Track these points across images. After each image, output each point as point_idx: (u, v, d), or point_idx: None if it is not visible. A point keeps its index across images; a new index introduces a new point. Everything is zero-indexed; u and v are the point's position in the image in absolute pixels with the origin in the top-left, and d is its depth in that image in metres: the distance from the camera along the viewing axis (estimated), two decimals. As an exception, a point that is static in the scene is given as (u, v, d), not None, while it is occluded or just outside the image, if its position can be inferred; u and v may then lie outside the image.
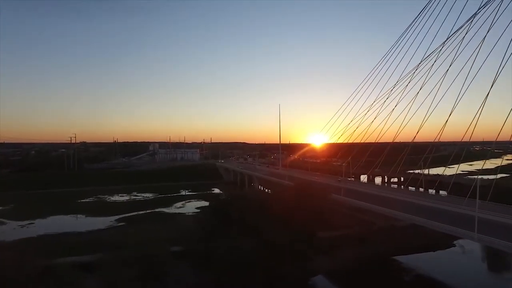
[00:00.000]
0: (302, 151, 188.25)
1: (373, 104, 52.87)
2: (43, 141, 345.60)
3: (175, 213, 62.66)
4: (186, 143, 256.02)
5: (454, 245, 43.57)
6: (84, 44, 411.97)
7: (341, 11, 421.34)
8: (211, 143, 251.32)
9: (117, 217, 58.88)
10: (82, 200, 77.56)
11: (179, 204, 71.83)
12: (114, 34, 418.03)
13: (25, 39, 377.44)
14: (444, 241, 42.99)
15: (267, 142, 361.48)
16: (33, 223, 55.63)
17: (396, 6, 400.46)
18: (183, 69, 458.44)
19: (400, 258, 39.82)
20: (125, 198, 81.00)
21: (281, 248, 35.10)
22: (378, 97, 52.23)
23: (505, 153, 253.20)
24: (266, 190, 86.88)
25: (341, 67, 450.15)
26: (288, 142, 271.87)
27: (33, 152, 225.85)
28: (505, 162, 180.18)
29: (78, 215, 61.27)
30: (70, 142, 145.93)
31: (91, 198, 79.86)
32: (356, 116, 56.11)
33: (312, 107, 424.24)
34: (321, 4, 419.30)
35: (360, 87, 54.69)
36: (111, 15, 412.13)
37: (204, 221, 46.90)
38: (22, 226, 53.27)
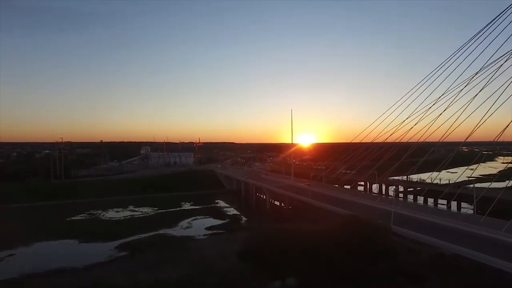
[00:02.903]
0: (290, 151, 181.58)
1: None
2: (24, 141, 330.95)
3: (184, 236, 54.43)
4: (174, 143, 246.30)
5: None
6: (70, 41, 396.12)
7: (340, 13, 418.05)
8: (200, 143, 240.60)
9: (116, 243, 50.36)
10: (73, 218, 68.22)
11: (184, 223, 63.60)
12: (103, 32, 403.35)
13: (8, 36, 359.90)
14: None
15: (256, 142, 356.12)
16: (15, 254, 46.05)
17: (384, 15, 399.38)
18: (169, 69, 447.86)
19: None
20: (121, 214, 72.10)
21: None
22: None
23: (495, 155, 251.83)
24: (280, 204, 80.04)
25: (333, 68, 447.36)
26: (279, 142, 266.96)
27: (14, 154, 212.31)
28: (503, 166, 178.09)
29: (70, 241, 52.19)
30: (55, 142, 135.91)
31: (82, 215, 70.59)
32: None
33: (304, 106, 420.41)
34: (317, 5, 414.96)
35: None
36: (100, 14, 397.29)
37: (228, 254, 39.41)
38: (0, 260, 43.97)
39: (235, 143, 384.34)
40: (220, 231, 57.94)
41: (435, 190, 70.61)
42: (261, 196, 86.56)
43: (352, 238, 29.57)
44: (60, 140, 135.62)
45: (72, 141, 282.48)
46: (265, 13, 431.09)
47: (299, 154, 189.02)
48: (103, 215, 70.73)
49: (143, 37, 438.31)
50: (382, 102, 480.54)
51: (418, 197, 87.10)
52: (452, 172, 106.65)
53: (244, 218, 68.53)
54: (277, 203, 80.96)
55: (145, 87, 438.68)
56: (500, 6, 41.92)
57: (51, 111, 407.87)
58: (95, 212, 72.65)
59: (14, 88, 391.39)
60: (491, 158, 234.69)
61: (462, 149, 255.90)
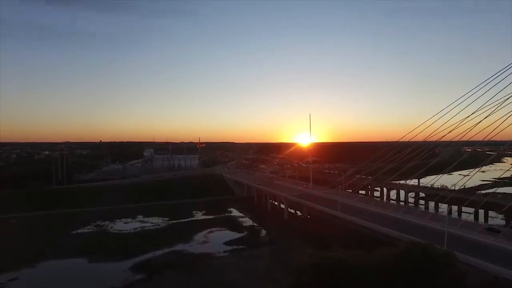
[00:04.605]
0: (294, 151, 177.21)
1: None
2: (23, 141, 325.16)
3: (203, 253, 49.87)
4: (174, 142, 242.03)
5: None
6: (69, 41, 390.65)
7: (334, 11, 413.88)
8: (202, 144, 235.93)
9: (130, 262, 45.85)
10: (79, 231, 63.31)
11: (200, 236, 58.95)
12: (102, 32, 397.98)
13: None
14: None
15: (256, 141, 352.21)
16: (17, 278, 41.26)
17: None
18: (168, 68, 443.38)
19: None
20: (130, 225, 67.18)
21: None
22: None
23: (501, 156, 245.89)
24: (295, 211, 76.11)
25: (334, 68, 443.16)
26: (280, 142, 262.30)
27: (14, 155, 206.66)
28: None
29: (79, 260, 47.52)
30: (54, 142, 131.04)
31: (89, 227, 65.66)
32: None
33: (305, 106, 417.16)
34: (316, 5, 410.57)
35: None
36: (100, 14, 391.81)
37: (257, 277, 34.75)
38: (2, 287, 39.10)
39: (235, 142, 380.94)
40: (240, 246, 53.51)
41: (460, 198, 66.50)
42: (276, 203, 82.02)
43: (418, 270, 25.24)
44: (61, 141, 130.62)
45: (71, 141, 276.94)
46: (266, 13, 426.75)
47: (303, 154, 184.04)
48: (111, 227, 65.84)
49: (142, 37, 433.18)
50: (382, 102, 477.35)
51: (440, 204, 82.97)
52: (463, 175, 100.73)
53: (262, 230, 63.87)
54: (292, 210, 76.82)
55: (144, 87, 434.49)
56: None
57: (50, 110, 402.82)
58: (102, 224, 67.76)
59: (12, 88, 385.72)
60: (498, 159, 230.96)
61: (465, 149, 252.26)
